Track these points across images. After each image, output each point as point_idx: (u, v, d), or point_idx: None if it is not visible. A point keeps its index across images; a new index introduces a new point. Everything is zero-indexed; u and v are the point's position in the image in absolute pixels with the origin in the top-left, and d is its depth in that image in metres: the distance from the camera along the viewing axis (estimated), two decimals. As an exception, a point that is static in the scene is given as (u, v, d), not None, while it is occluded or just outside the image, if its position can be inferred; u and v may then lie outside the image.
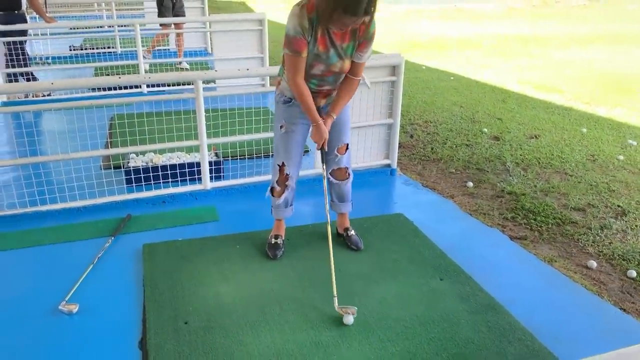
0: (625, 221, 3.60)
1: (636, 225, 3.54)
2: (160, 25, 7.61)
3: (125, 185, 3.73)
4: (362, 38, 2.54)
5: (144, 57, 7.41)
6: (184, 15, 7.54)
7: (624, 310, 2.67)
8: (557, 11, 18.11)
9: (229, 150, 4.17)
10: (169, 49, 8.62)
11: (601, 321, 2.55)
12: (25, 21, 6.14)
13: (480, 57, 9.70)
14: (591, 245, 3.32)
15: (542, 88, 7.40)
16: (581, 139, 5.27)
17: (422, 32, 12.70)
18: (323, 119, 2.71)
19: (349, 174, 3.00)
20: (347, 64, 2.60)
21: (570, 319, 2.55)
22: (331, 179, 2.98)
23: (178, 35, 7.66)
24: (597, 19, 15.83)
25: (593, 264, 3.09)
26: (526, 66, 8.93)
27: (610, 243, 3.33)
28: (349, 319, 2.41)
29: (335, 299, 2.50)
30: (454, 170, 4.49)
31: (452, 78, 7.99)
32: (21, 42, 6.09)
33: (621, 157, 4.77)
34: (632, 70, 8.70)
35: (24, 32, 6.12)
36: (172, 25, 7.50)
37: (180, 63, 7.55)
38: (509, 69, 8.67)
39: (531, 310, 2.58)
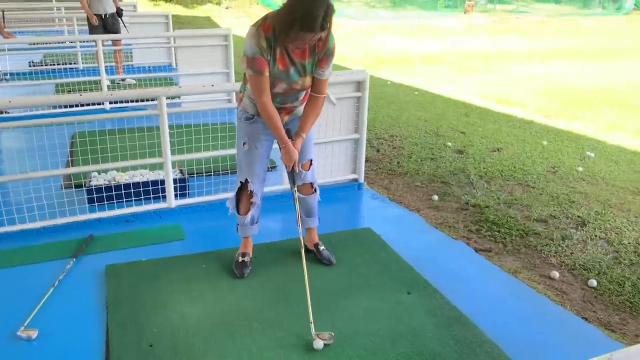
0: (586, 231, 3.70)
1: (596, 235, 3.64)
2: (113, 42, 7.48)
3: (87, 205, 3.64)
4: (322, 54, 2.56)
5: (122, 80, 7.31)
6: (118, 32, 7.44)
7: (586, 319, 2.74)
8: (516, 26, 18.64)
9: (195, 167, 4.12)
10: (132, 64, 8.51)
11: (564, 331, 2.61)
12: None
13: (444, 73, 9.89)
14: (553, 255, 3.39)
15: (503, 102, 7.59)
16: (542, 152, 5.41)
17: (386, 48, 12.88)
18: (292, 139, 2.71)
19: (315, 189, 3.00)
20: (308, 81, 2.62)
21: (535, 330, 2.60)
22: (297, 193, 2.97)
23: (115, 51, 7.54)
24: (554, 35, 16.36)
25: (556, 274, 3.16)
26: (487, 81, 9.15)
27: (571, 253, 3.42)
28: (319, 344, 2.36)
29: (312, 325, 2.43)
30: (419, 184, 4.54)
31: (416, 93, 8.12)
32: None
33: (580, 169, 4.91)
34: (589, 84, 9.00)
35: None
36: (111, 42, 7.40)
37: (124, 80, 7.43)
38: (471, 84, 8.86)
39: (497, 322, 2.61)
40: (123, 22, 7.56)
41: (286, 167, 2.77)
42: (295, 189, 2.87)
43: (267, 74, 2.50)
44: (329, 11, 2.33)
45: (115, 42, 7.41)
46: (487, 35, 16.14)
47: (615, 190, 4.45)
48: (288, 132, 2.73)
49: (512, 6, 24.33)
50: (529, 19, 20.76)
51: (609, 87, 8.74)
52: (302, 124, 2.74)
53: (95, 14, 7.21)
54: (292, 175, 2.81)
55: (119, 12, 7.41)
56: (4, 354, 2.33)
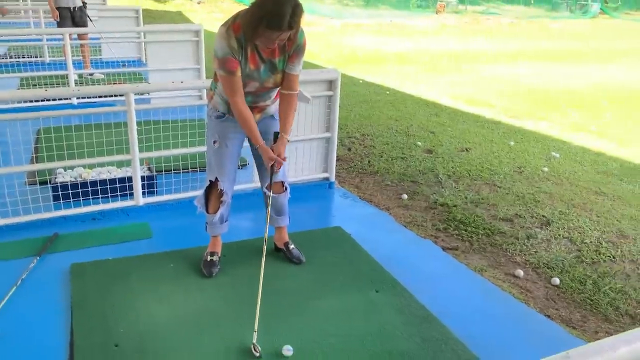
0: (550, 230, 3.78)
1: (559, 235, 3.73)
2: (79, 36, 7.34)
3: (52, 202, 3.56)
4: (292, 50, 2.56)
5: (90, 75, 7.16)
6: (85, 25, 7.32)
7: (549, 316, 2.81)
8: (486, 28, 18.93)
9: (163, 165, 4.07)
10: (101, 59, 8.35)
11: (528, 329, 2.67)
12: None
13: (415, 72, 9.98)
14: (518, 254, 3.47)
15: (472, 102, 7.70)
16: (509, 152, 5.52)
17: (359, 47, 12.93)
18: (277, 144, 2.69)
19: (285, 188, 3.00)
20: (279, 78, 2.62)
21: (500, 328, 2.65)
22: (267, 192, 2.97)
23: (82, 45, 7.41)
24: (524, 36, 16.67)
25: (520, 272, 3.23)
26: (457, 81, 9.27)
27: (536, 252, 3.49)
28: (289, 352, 2.32)
29: (255, 335, 2.35)
30: (389, 183, 4.58)
31: (387, 92, 8.18)
32: None
33: (546, 169, 5.02)
34: (556, 85, 9.21)
35: None
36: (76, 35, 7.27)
37: (92, 74, 7.30)
38: (442, 84, 8.96)
39: (463, 320, 2.66)
40: (89, 16, 7.42)
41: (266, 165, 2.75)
42: (266, 188, 2.86)
43: (239, 74, 2.49)
44: (297, 10, 2.33)
45: (81, 36, 7.26)
46: (458, 35, 16.35)
47: (579, 190, 4.56)
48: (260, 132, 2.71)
49: (483, 7, 24.70)
50: (499, 21, 21.10)
51: (575, 89, 8.95)
52: (282, 125, 2.72)
53: (63, 7, 7.06)
54: (272, 172, 2.75)
55: (84, 5, 7.28)
56: (-37, 355, 2.27)
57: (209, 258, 2.96)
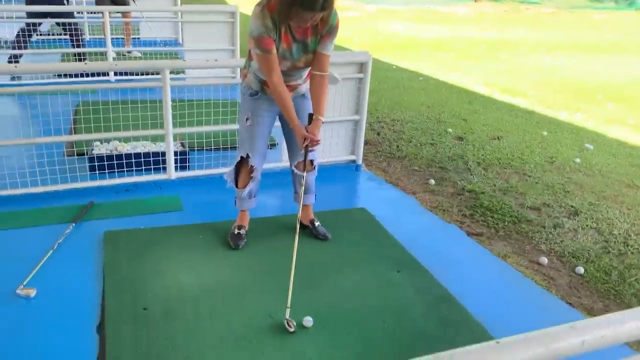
0: (577, 221, 3.75)
1: (587, 225, 3.69)
2: (122, 14, 7.51)
3: (88, 173, 3.70)
4: (324, 31, 2.60)
5: (128, 52, 7.33)
6: (126, 4, 7.45)
7: (570, 304, 2.80)
8: (526, 17, 18.52)
9: (196, 141, 4.18)
10: (139, 38, 8.52)
11: (548, 315, 2.67)
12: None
13: (450, 60, 9.87)
14: (544, 242, 3.45)
15: (507, 91, 7.59)
16: (541, 142, 5.44)
17: (394, 33, 12.84)
18: (311, 125, 2.73)
19: (313, 167, 3.05)
20: (310, 58, 2.67)
21: (520, 312, 2.66)
22: (296, 170, 3.03)
23: (125, 23, 7.57)
24: (564, 27, 16.26)
25: (544, 260, 3.22)
26: (493, 70, 9.13)
27: (561, 241, 3.47)
28: (309, 322, 2.39)
29: (288, 311, 2.41)
30: (417, 168, 4.59)
31: (421, 79, 8.12)
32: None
33: (578, 160, 4.95)
34: (595, 77, 8.99)
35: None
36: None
37: (130, 52, 7.46)
38: (477, 72, 8.85)
39: (483, 303, 2.68)
40: None
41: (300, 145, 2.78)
42: (295, 166, 2.93)
43: (274, 52, 2.54)
44: None
45: (125, 15, 7.43)
46: (497, 24, 16.04)
47: (610, 182, 4.49)
48: None
49: (524, -4, 24.11)
50: (539, 10, 20.58)
51: (615, 82, 8.72)
52: (316, 107, 2.76)
53: None
54: (306, 152, 2.79)
55: None
56: (4, 310, 2.41)
57: (236, 231, 3.04)
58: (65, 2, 7.12)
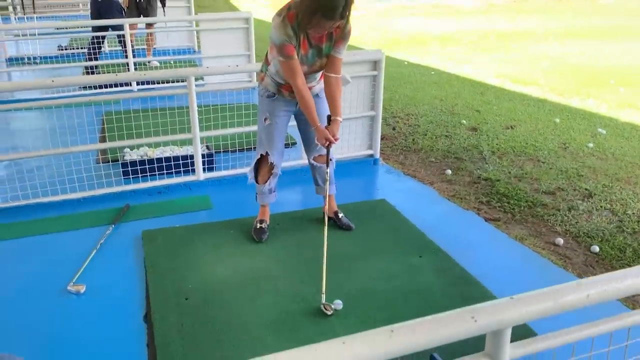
0: (591, 202, 3.87)
1: (601, 206, 3.81)
2: (146, 25, 7.77)
3: (122, 178, 3.92)
4: (338, 37, 2.79)
5: (148, 62, 7.57)
6: (153, 15, 7.69)
7: (586, 280, 2.93)
8: (535, 6, 18.50)
9: (220, 143, 4.38)
10: (155, 48, 8.76)
11: (565, 290, 2.81)
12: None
13: (461, 53, 9.98)
14: (559, 224, 3.59)
15: (519, 81, 7.69)
16: (554, 129, 5.56)
17: (404, 29, 12.96)
18: (330, 125, 2.91)
19: (330, 158, 3.22)
20: (324, 62, 2.87)
21: (537, 289, 2.80)
22: (315, 163, 3.22)
23: (149, 34, 7.83)
24: (573, 14, 16.23)
25: (560, 241, 3.36)
26: (504, 60, 9.22)
27: (576, 222, 3.60)
28: (339, 305, 2.56)
29: (323, 296, 2.58)
30: (433, 160, 4.74)
31: (432, 73, 8.26)
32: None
33: (591, 145, 5.05)
34: (605, 63, 9.04)
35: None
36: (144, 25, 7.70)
37: (149, 62, 7.69)
38: (488, 63, 8.95)
39: (501, 282, 2.83)
40: (164, 4, 7.79)
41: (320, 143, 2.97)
42: (313, 159, 3.12)
43: (296, 57, 2.73)
44: (349, 1, 2.56)
45: (148, 26, 7.69)
46: (507, 14, 16.07)
47: (624, 165, 4.60)
48: None
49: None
50: (549, -2, 20.53)
51: (626, 66, 8.76)
52: (332, 107, 2.93)
53: None
54: (328, 151, 2.98)
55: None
56: (57, 305, 2.63)
57: (258, 225, 3.24)
58: (124, 13, 7.46)
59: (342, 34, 2.79)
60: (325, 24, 2.58)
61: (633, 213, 3.72)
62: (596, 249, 3.27)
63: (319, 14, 2.53)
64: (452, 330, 1.17)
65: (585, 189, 4.09)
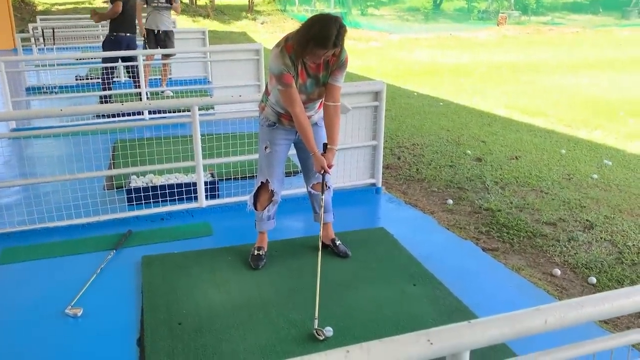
0: (592, 234, 3.86)
1: (601, 237, 3.80)
2: (162, 56, 8.00)
3: (126, 204, 4.01)
4: (335, 66, 2.89)
5: (162, 92, 7.80)
6: (170, 47, 7.93)
7: (581, 311, 2.92)
8: (549, 38, 18.60)
9: (224, 171, 4.47)
10: (171, 78, 9.00)
11: (558, 321, 2.79)
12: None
13: (471, 84, 10.05)
14: (558, 255, 3.58)
15: (527, 112, 7.72)
16: (559, 160, 5.56)
17: (416, 60, 13.11)
18: (325, 153, 3.00)
19: (328, 187, 3.28)
20: (322, 91, 2.96)
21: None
22: (312, 191, 3.28)
23: (164, 65, 8.06)
24: (588, 46, 16.28)
25: (557, 272, 3.35)
26: (515, 92, 9.27)
27: (575, 253, 3.59)
28: (329, 332, 2.60)
29: (316, 321, 2.63)
30: (436, 189, 4.77)
31: (441, 104, 8.33)
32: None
33: (595, 176, 5.04)
34: (617, 94, 9.03)
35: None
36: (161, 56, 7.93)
37: (163, 92, 7.89)
38: (498, 95, 9.01)
39: (494, 311, 2.75)
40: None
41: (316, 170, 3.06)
42: (311, 187, 3.17)
43: (294, 86, 2.84)
44: (341, 31, 2.70)
45: (164, 57, 7.93)
46: (520, 47, 16.18)
47: (627, 196, 4.58)
48: None
49: (547, 17, 24.22)
50: (563, 31, 20.64)
51: (638, 98, 8.74)
52: (330, 136, 3.03)
53: (148, 29, 7.73)
54: (323, 177, 3.07)
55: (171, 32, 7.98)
56: (54, 327, 2.69)
57: (256, 252, 3.29)
58: (146, 46, 7.75)
59: (339, 63, 2.90)
60: (319, 52, 2.69)
61: (633, 244, 3.69)
62: (593, 280, 3.26)
63: (312, 43, 2.64)
64: (407, 353, 1.20)
65: (587, 220, 4.08)
